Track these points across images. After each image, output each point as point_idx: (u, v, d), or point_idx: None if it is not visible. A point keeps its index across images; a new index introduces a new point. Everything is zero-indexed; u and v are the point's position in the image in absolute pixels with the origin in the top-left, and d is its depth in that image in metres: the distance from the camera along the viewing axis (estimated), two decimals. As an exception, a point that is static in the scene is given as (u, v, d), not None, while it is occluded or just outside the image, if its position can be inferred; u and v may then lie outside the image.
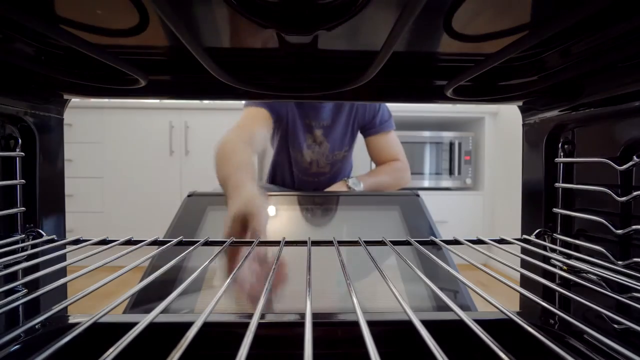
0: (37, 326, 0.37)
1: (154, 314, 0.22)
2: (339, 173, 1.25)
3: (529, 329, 0.23)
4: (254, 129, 0.99)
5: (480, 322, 0.22)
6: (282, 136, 1.20)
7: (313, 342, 0.18)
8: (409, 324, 0.22)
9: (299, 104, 1.11)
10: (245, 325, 0.20)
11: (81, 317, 0.39)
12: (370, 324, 0.20)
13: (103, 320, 0.23)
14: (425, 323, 0.21)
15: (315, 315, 0.22)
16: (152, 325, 0.21)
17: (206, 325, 0.21)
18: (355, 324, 0.21)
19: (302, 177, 1.23)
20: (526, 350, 0.27)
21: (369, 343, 0.18)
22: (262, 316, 0.27)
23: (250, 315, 0.21)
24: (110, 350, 0.18)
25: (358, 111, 1.15)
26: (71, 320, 0.39)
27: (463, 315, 0.23)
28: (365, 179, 1.10)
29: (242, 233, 0.56)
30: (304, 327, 0.20)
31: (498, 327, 0.28)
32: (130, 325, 0.20)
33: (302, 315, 0.37)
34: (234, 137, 0.93)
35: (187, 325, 0.20)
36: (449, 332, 0.35)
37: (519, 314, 0.42)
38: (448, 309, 0.25)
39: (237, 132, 0.96)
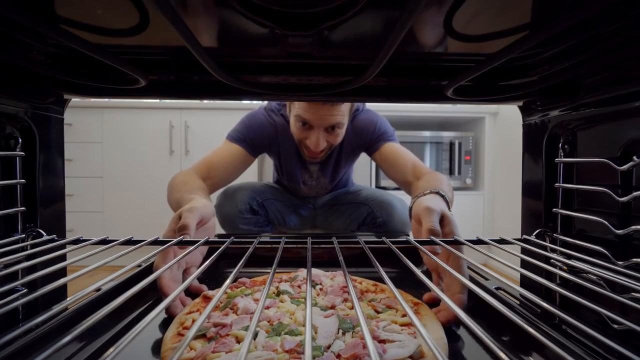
0: (37, 326, 0.37)
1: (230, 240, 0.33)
2: (340, 187, 1.24)
3: (516, 318, 0.23)
4: (215, 166, 0.94)
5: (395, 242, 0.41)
6: (277, 168, 1.18)
7: None
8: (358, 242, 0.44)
9: (294, 141, 1.03)
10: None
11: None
12: (340, 242, 0.41)
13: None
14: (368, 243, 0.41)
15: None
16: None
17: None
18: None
19: (299, 199, 1.22)
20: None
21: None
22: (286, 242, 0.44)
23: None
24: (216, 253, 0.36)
25: (351, 136, 1.05)
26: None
27: (388, 242, 0.43)
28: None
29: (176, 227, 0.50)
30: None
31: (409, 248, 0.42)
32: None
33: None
34: (189, 170, 0.90)
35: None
36: (381, 250, 0.45)
37: (518, 312, 0.42)
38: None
39: (196, 166, 0.92)
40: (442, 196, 0.58)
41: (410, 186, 0.90)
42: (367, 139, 1.04)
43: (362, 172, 1.90)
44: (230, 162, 0.99)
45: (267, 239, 0.48)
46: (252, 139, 1.03)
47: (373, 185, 1.92)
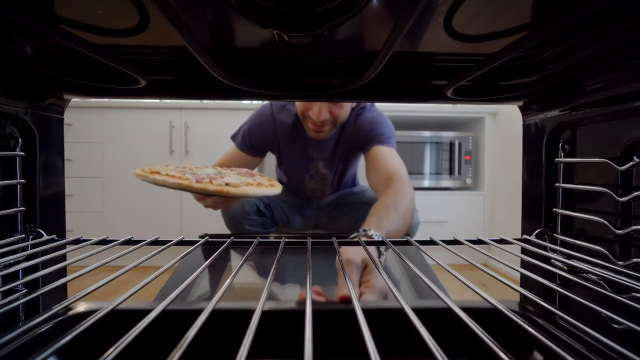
0: (37, 326, 0.37)
1: (166, 302, 0.23)
2: (344, 187, 1.23)
3: (528, 328, 0.23)
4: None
5: (467, 310, 0.23)
6: (279, 167, 1.19)
7: (312, 329, 0.19)
8: (400, 311, 0.23)
9: (300, 136, 1.04)
10: (250, 313, 0.21)
11: (100, 304, 0.41)
12: (366, 312, 0.21)
13: (120, 307, 0.25)
14: (416, 310, 0.22)
15: (314, 304, 0.23)
16: (165, 313, 0.23)
17: (214, 313, 0.22)
18: (352, 312, 0.22)
19: (303, 200, 1.22)
20: (507, 335, 0.27)
21: (364, 330, 0.19)
22: (266, 305, 0.29)
23: (255, 304, 0.22)
24: (129, 333, 0.19)
25: (351, 133, 1.05)
26: (89, 307, 0.40)
27: (451, 303, 0.24)
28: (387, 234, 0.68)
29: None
30: (305, 316, 0.20)
31: (485, 315, 0.28)
32: (146, 312, 0.22)
33: (303, 302, 0.38)
34: None
35: (197, 313, 0.21)
36: (437, 319, 0.34)
37: (518, 312, 0.42)
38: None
39: None
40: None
41: (379, 194, 0.87)
42: (363, 137, 1.03)
43: (362, 171, 1.89)
44: (240, 166, 1.01)
45: (267, 239, 0.48)
46: (252, 143, 1.04)
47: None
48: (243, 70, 0.44)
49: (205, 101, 1.91)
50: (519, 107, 0.51)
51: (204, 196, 0.67)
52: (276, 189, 0.59)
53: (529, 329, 0.23)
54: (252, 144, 1.04)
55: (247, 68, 0.44)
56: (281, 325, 0.39)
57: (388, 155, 0.96)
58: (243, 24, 0.33)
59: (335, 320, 0.39)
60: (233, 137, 1.07)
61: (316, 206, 1.23)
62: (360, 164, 1.27)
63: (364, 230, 0.60)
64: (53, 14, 0.32)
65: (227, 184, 0.53)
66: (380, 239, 0.55)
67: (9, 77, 0.40)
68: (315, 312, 0.22)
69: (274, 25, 0.32)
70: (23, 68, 0.39)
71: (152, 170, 0.54)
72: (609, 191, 0.37)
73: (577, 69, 0.37)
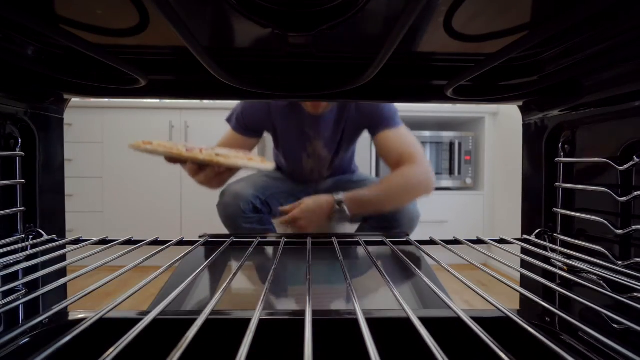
0: (37, 326, 0.37)
1: (158, 311, 0.23)
2: (342, 171, 1.23)
3: (528, 327, 0.23)
4: None
5: (477, 320, 0.22)
6: (276, 148, 1.19)
7: (313, 339, 0.19)
8: (407, 321, 0.23)
9: (296, 115, 1.05)
10: (247, 322, 0.20)
11: (87, 313, 0.40)
12: (369, 321, 0.21)
13: (108, 316, 0.24)
14: (423, 320, 0.22)
15: (315, 313, 0.23)
16: (156, 322, 0.22)
17: (208, 322, 0.22)
18: (354, 322, 0.21)
19: (301, 185, 1.21)
20: (523, 348, 0.27)
21: (368, 341, 0.18)
22: (263, 313, 0.29)
23: (251, 314, 0.22)
24: (118, 343, 0.19)
25: (355, 115, 1.07)
26: (77, 316, 0.40)
27: (461, 313, 0.24)
28: (357, 200, 0.94)
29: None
30: (304, 325, 0.20)
31: (495, 324, 0.28)
32: (136, 321, 0.21)
33: (302, 312, 0.38)
34: None
35: (191, 322, 0.20)
36: (446, 328, 0.34)
37: (518, 312, 0.42)
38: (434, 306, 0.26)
39: None
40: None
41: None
42: (369, 120, 1.07)
43: (362, 159, 1.88)
44: (236, 148, 1.03)
45: (267, 240, 0.48)
46: (246, 124, 1.06)
47: (373, 173, 1.91)
48: (243, 70, 0.44)
49: (205, 101, 1.91)
50: (519, 107, 0.51)
51: (197, 171, 0.70)
52: (267, 165, 0.60)
53: (529, 328, 0.23)
54: (246, 125, 1.06)
55: (247, 68, 0.44)
56: (280, 335, 0.38)
57: (397, 139, 1.03)
58: (243, 24, 0.33)
59: (336, 329, 0.39)
60: (228, 120, 1.09)
61: (314, 192, 1.22)
62: (361, 152, 1.27)
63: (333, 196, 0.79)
64: (53, 14, 0.32)
65: (217, 155, 0.54)
66: (341, 200, 0.83)
67: (9, 77, 0.40)
68: (315, 321, 0.22)
69: (274, 25, 0.32)
70: (23, 68, 0.39)
71: (145, 141, 0.57)
72: (609, 191, 0.37)
73: (576, 69, 0.37)
